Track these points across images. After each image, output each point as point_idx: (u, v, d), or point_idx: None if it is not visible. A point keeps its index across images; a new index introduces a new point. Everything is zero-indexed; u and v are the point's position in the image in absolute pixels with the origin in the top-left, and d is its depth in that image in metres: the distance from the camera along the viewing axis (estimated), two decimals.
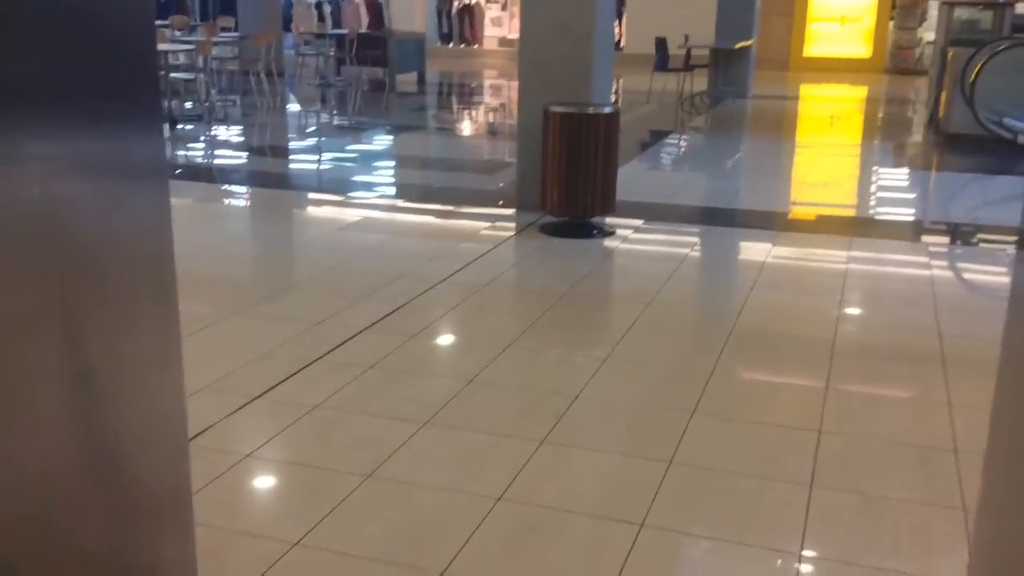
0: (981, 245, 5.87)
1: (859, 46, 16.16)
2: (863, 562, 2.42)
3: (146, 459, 1.35)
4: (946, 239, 6.04)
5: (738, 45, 12.19)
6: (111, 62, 1.27)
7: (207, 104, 10.38)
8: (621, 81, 13.84)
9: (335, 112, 11.64)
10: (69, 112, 1.20)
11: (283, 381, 3.43)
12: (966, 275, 5.18)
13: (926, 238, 6.04)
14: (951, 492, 2.76)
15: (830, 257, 5.33)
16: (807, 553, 2.45)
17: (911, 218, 6.66)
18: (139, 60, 1.27)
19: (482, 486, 2.73)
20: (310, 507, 2.60)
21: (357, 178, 7.72)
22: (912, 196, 7.54)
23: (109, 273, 1.27)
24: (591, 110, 5.49)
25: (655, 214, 6.20)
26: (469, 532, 2.50)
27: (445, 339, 4.09)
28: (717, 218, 6.38)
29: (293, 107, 12.11)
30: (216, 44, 11.09)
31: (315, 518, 2.54)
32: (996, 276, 5.13)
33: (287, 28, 15.89)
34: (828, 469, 2.88)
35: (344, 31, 13.95)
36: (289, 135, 10.18)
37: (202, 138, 9.33)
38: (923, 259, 5.31)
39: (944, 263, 5.30)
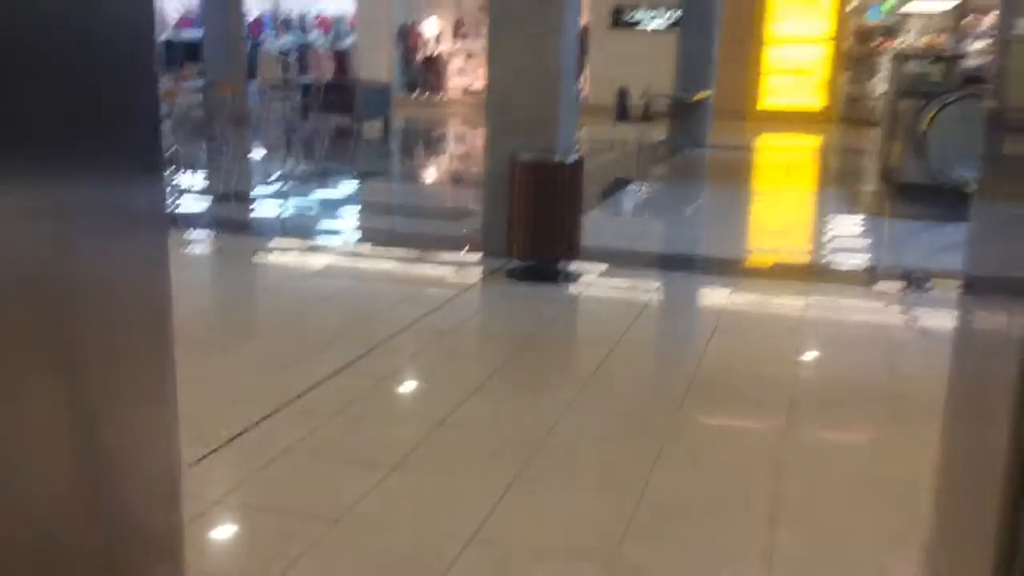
0: (932, 290, 6.05)
1: (813, 98, 16.61)
2: None
3: (139, 494, 1.40)
4: (899, 284, 6.22)
5: (696, 96, 12.49)
6: (115, 110, 1.33)
7: (173, 151, 10.40)
8: (584, 130, 14.08)
9: (301, 159, 11.70)
10: (77, 158, 1.26)
11: (251, 427, 3.45)
12: (918, 319, 5.34)
13: (880, 284, 6.21)
14: (909, 526, 2.85)
15: (788, 302, 5.47)
16: None
17: (865, 264, 6.85)
18: (142, 108, 1.34)
19: (453, 528, 2.77)
20: (280, 552, 2.62)
21: (323, 224, 7.77)
22: (866, 243, 7.75)
23: (110, 315, 1.33)
24: (557, 158, 5.62)
25: (618, 260, 6.32)
26: (442, 573, 2.53)
27: (413, 383, 4.14)
28: (678, 264, 6.52)
29: (259, 154, 12.17)
30: (182, 92, 11.15)
31: (286, 563, 2.56)
32: (946, 320, 5.29)
33: (252, 76, 15.99)
34: (789, 506, 2.96)
35: (310, 79, 14.08)
36: (255, 181, 10.22)
37: (168, 185, 9.34)
38: (877, 304, 5.46)
39: (897, 308, 5.46)
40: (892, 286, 6.20)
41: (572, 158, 5.67)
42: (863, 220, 8.67)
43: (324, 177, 10.22)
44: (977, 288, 1.13)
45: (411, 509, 2.89)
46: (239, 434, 3.38)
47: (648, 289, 5.76)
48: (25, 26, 1.19)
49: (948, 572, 1.34)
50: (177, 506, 1.47)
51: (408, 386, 4.10)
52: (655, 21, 17.75)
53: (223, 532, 2.80)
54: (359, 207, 8.88)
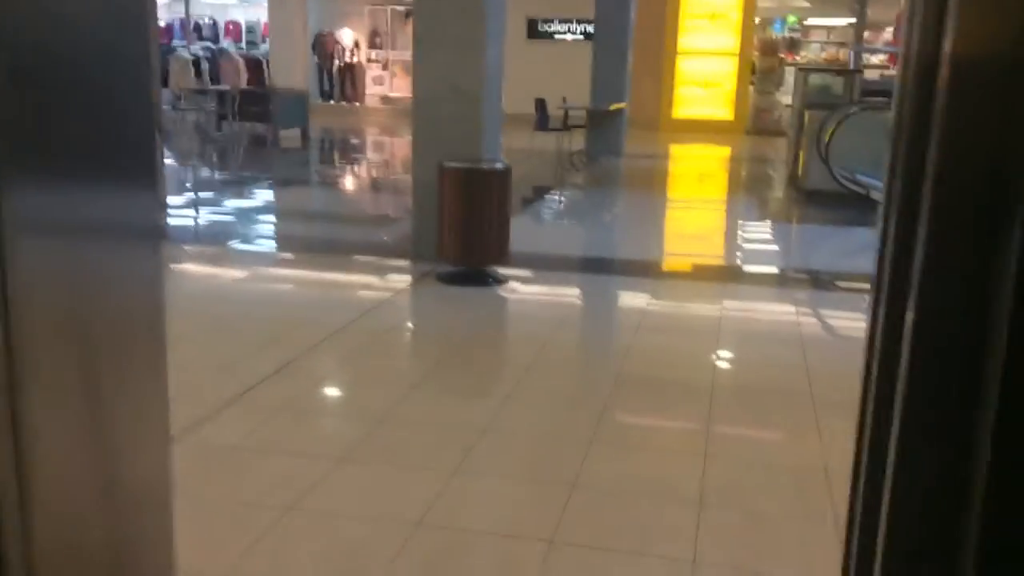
0: (839, 291, 6.40)
1: (722, 109, 17.16)
2: (749, 568, 2.69)
3: (136, 496, 1.51)
4: (808, 286, 6.57)
5: (612, 107, 12.82)
6: (112, 126, 1.44)
7: None
8: (503, 139, 14.28)
9: (217, 167, 11.61)
10: (82, 173, 1.37)
11: (196, 424, 3.51)
12: (828, 318, 5.66)
13: (790, 285, 6.55)
14: (822, 507, 3.08)
15: (704, 302, 5.74)
16: (700, 561, 2.72)
17: (776, 267, 7.19)
18: (138, 123, 1.45)
19: (401, 514, 2.89)
20: (236, 540, 2.71)
21: (246, 232, 7.77)
22: (776, 247, 8.12)
23: (114, 323, 1.44)
24: (484, 166, 5.79)
25: (544, 264, 6.51)
26: (394, 555, 2.66)
27: (352, 382, 4.24)
28: (600, 267, 6.75)
29: (172, 162, 12.02)
30: None
31: (241, 549, 2.65)
32: (854, 320, 5.63)
33: (164, 84, 15.75)
34: (714, 490, 3.17)
35: (225, 87, 13.96)
36: (170, 190, 10.11)
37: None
38: (788, 305, 5.77)
39: (807, 308, 5.78)
40: (802, 287, 6.53)
41: (499, 165, 5.84)
42: (773, 225, 9.07)
43: (242, 185, 10.18)
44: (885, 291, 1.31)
45: (360, 497, 3.01)
46: (184, 430, 3.43)
47: (573, 291, 5.97)
48: (36, 46, 1.30)
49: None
50: (170, 510, 1.59)
51: (347, 385, 4.20)
52: (569, 33, 18.11)
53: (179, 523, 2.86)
54: (281, 215, 8.89)
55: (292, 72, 18.49)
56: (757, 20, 17.93)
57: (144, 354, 1.54)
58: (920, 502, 1.14)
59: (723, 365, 4.56)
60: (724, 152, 14.95)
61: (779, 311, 5.64)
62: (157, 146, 1.57)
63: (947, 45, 1.01)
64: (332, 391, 4.08)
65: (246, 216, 8.52)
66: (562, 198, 10.21)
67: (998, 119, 0.98)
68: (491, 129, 6.34)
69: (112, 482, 1.48)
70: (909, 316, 1.12)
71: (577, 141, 12.95)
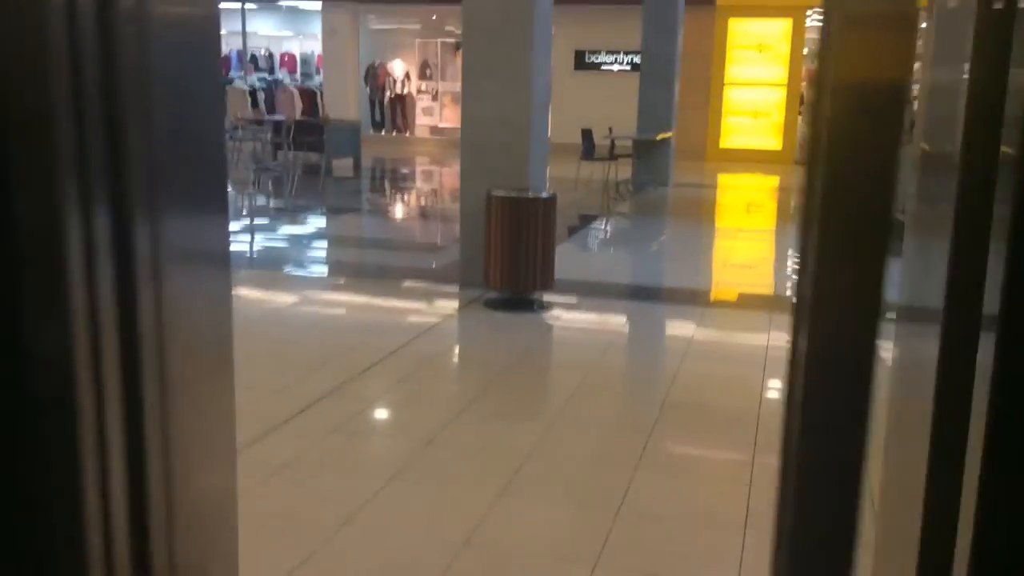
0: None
1: (771, 139, 17.15)
2: None
3: (203, 518, 1.62)
4: None
5: (659, 136, 12.89)
6: (188, 151, 1.55)
7: None
8: (549, 168, 14.43)
9: (272, 195, 11.89)
10: (160, 199, 1.48)
11: (250, 444, 3.63)
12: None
13: None
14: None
15: (751, 331, 5.76)
16: None
17: None
18: (210, 148, 1.58)
19: (449, 533, 2.97)
20: (289, 556, 2.81)
21: (298, 257, 7.96)
22: None
23: (179, 355, 1.56)
24: (531, 195, 5.89)
25: (589, 291, 6.58)
26: (440, 573, 2.73)
27: (401, 404, 4.34)
28: (646, 295, 6.80)
29: (229, 190, 12.32)
30: None
31: (294, 565, 2.75)
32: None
33: None
34: (758, 515, 3.20)
35: (281, 117, 14.30)
36: (229, 217, 10.36)
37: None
38: None
39: None
40: None
41: (545, 194, 5.94)
42: None
43: (296, 213, 10.42)
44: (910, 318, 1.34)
45: (410, 516, 3.09)
46: (239, 449, 3.54)
47: (619, 318, 6.02)
48: (125, 71, 1.41)
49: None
50: (235, 531, 1.69)
51: (397, 407, 4.30)
52: (616, 64, 18.26)
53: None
54: (333, 242, 9.08)
55: (345, 103, 18.87)
56: (806, 51, 17.92)
57: (214, 374, 1.64)
58: None
59: (770, 394, 4.58)
60: (772, 182, 14.92)
61: None
62: (226, 170, 1.68)
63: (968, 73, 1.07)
64: (382, 413, 4.18)
65: (299, 243, 8.72)
66: (607, 226, 10.28)
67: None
68: (538, 159, 6.45)
69: (182, 498, 1.57)
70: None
71: (623, 170, 13.04)
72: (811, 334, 1.14)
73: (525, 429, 3.95)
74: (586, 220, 10.29)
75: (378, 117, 20.03)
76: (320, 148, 13.65)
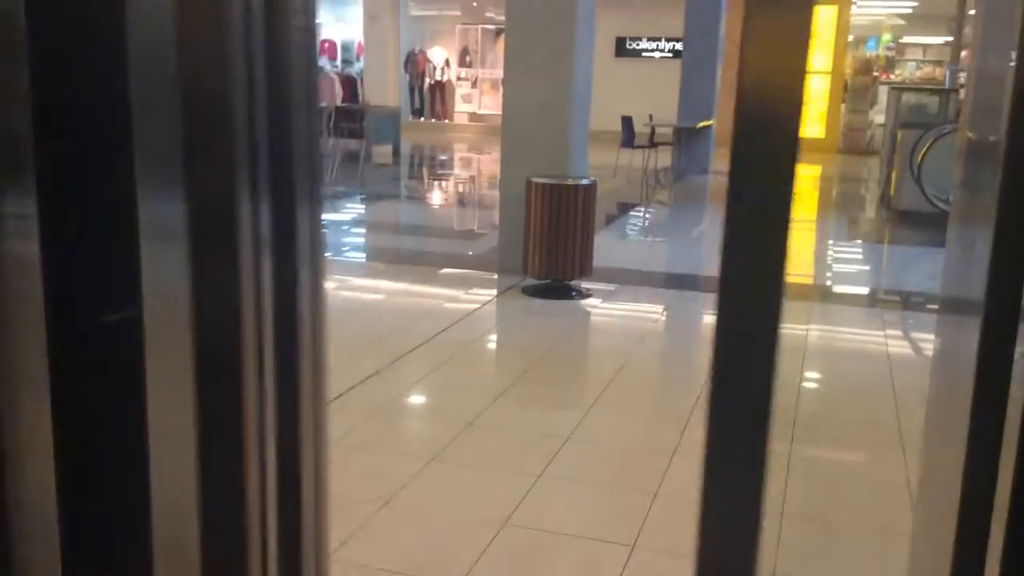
0: (930, 313, 6.32)
1: (814, 127, 16.96)
2: None
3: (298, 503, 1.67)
4: (898, 307, 6.49)
5: (699, 125, 12.82)
6: (285, 144, 1.59)
7: None
8: (590, 155, 14.41)
9: None
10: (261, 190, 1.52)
11: None
12: (917, 340, 5.60)
13: (880, 306, 6.48)
14: (903, 520, 3.09)
15: (792, 322, 5.73)
16: (779, 572, 2.77)
17: (866, 288, 7.12)
18: (307, 140, 1.62)
19: (489, 513, 3.02)
20: (334, 530, 2.86)
21: (340, 243, 8.04)
22: (866, 268, 8.03)
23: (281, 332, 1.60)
24: (571, 182, 5.91)
25: (627, 279, 6.59)
26: (480, 550, 2.78)
27: (442, 388, 4.40)
28: (684, 283, 6.79)
29: None
30: None
31: (340, 538, 2.81)
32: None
33: None
34: (795, 502, 3.21)
35: (322, 104, 14.42)
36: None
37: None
38: (878, 325, 5.72)
39: (897, 330, 5.73)
40: (892, 308, 6.47)
41: (585, 182, 5.96)
42: (863, 245, 8.96)
43: (336, 199, 10.52)
44: (952, 308, 1.34)
45: (450, 496, 3.14)
46: None
47: (657, 306, 6.03)
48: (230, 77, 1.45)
49: (934, 561, 1.50)
50: (326, 517, 1.74)
51: (437, 390, 4.36)
52: (657, 51, 18.15)
53: None
54: (372, 228, 9.17)
55: (385, 89, 18.97)
56: (851, 38, 17.68)
57: (318, 358, 1.68)
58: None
59: (809, 384, 4.57)
60: (815, 171, 14.78)
61: (867, 331, 5.60)
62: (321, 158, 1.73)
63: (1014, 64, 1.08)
64: (422, 396, 4.24)
65: (340, 228, 8.81)
66: (647, 214, 10.26)
67: None
68: (578, 145, 6.47)
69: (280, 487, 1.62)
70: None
71: (663, 158, 12.99)
72: (720, 310, 1.16)
73: (563, 414, 3.99)
74: (625, 208, 10.28)
75: (417, 104, 20.11)
76: (360, 134, 13.77)
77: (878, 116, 15.78)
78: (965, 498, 1.24)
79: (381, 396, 4.06)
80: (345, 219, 9.35)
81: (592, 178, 6.09)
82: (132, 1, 1.26)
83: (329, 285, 5.83)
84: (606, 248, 7.45)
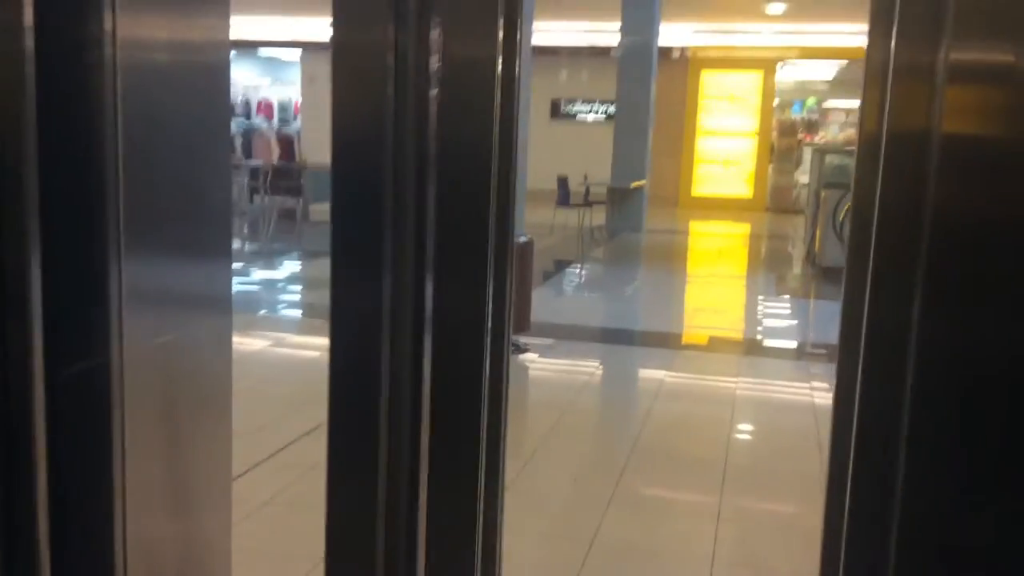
0: None
1: (742, 186, 17.48)
2: None
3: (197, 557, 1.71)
4: (824, 360, 6.70)
5: (633, 185, 13.14)
6: (192, 197, 1.65)
7: None
8: (526, 214, 14.62)
9: (247, 239, 11.98)
10: (170, 245, 1.58)
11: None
12: None
13: (806, 359, 6.69)
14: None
15: (721, 375, 5.89)
16: None
17: (792, 342, 7.34)
18: (216, 194, 1.69)
19: None
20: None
21: (275, 300, 8.03)
22: (793, 322, 8.27)
23: (176, 397, 1.65)
24: None
25: (564, 333, 6.70)
26: None
27: None
28: (620, 338, 6.93)
29: None
30: None
31: None
32: None
33: None
34: (726, 549, 3.30)
35: (258, 163, 14.44)
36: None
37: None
38: (802, 378, 5.91)
39: (822, 382, 5.92)
40: (817, 360, 6.67)
41: (522, 239, 6.08)
42: (790, 300, 9.24)
43: (272, 256, 10.51)
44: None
45: None
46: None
47: (593, 360, 6.14)
48: (149, 122, 1.52)
49: None
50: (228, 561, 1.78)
51: None
52: (591, 113, 18.61)
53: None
54: (309, 285, 9.17)
55: (323, 148, 19.02)
56: (777, 101, 18.35)
57: (214, 411, 1.74)
58: None
59: (737, 435, 4.70)
60: (743, 229, 15.20)
61: (793, 384, 5.78)
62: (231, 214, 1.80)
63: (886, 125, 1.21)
64: None
65: (275, 285, 8.80)
66: (583, 271, 10.44)
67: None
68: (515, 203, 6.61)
69: (178, 542, 1.66)
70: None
71: (598, 216, 13.26)
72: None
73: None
74: (561, 265, 10.46)
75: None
76: (298, 192, 13.78)
77: (803, 176, 16.34)
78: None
79: (319, 452, 4.06)
80: (281, 277, 9.34)
81: (528, 236, 6.23)
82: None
83: (266, 342, 5.81)
84: (544, 303, 7.57)
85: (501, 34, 1.59)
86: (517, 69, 1.77)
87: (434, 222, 1.63)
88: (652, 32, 13.56)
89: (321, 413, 4.48)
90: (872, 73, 1.22)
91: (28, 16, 1.28)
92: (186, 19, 1.63)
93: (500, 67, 1.61)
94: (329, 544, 1.84)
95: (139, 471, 1.48)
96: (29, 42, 1.27)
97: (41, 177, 1.33)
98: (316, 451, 4.06)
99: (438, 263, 1.65)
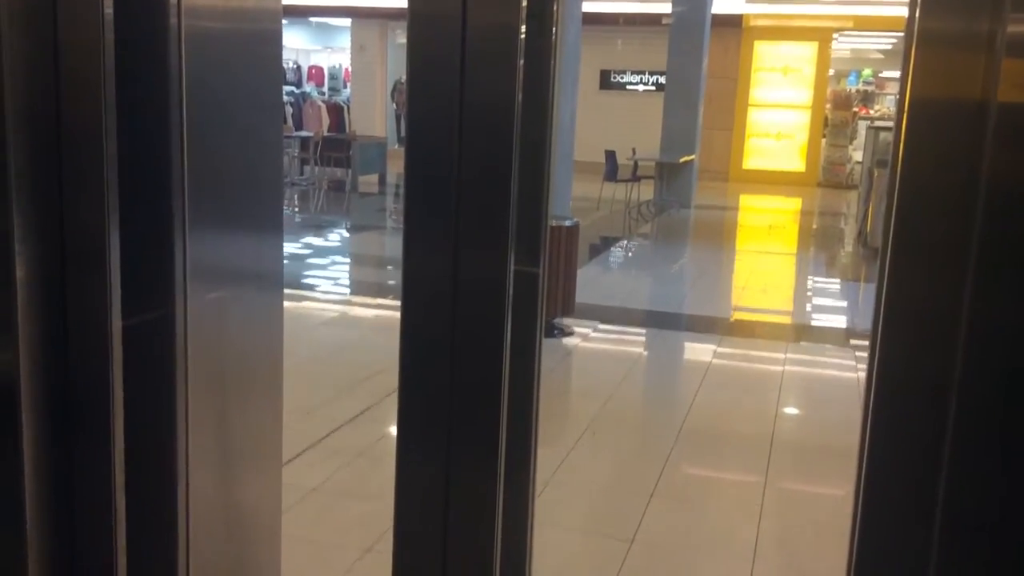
0: None
1: (794, 161, 17.20)
2: None
3: (247, 532, 1.77)
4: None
5: (682, 159, 13.00)
6: (247, 174, 1.68)
7: None
8: (573, 187, 14.55)
9: (297, 210, 12.10)
10: (226, 220, 1.63)
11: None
12: None
13: (854, 341, 6.61)
14: None
15: (768, 359, 5.86)
16: None
17: (842, 324, 7.26)
18: (269, 172, 1.72)
19: None
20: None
21: (324, 275, 8.13)
22: (843, 304, 8.18)
23: (234, 368, 1.70)
24: (554, 222, 6.03)
25: (609, 316, 6.71)
26: None
27: None
28: (665, 322, 6.91)
29: None
30: None
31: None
32: None
33: None
34: (767, 547, 3.31)
35: (309, 133, 14.54)
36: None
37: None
38: (852, 362, 5.86)
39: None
40: (865, 343, 6.59)
41: (568, 223, 6.08)
42: (840, 282, 9.12)
43: (322, 228, 10.61)
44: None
45: None
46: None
47: (638, 344, 6.14)
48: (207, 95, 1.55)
49: None
50: (278, 536, 1.84)
51: None
52: (641, 84, 18.40)
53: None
54: (358, 258, 9.26)
55: (372, 118, 19.12)
56: (832, 72, 17.98)
57: (265, 387, 1.79)
58: None
59: (783, 423, 4.69)
60: (794, 205, 14.99)
61: (842, 368, 5.73)
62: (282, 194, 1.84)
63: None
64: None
65: (325, 259, 8.89)
66: (630, 249, 10.40)
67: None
68: (562, 184, 6.59)
69: (231, 506, 1.73)
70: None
71: (646, 191, 13.16)
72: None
73: (545, 456, 4.07)
74: (608, 243, 10.42)
75: (403, 132, 20.25)
76: (347, 164, 13.87)
77: (857, 152, 16.03)
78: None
79: (367, 437, 4.13)
80: (330, 248, 9.44)
81: (575, 219, 6.22)
82: None
83: (314, 318, 5.86)
84: (589, 284, 7.56)
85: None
86: (554, 37, 1.71)
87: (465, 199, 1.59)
88: (705, 5, 13.33)
89: (371, 398, 4.55)
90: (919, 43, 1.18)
91: None
92: None
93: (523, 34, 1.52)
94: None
95: (199, 414, 1.53)
96: (109, 9, 1.34)
97: (119, 143, 1.39)
98: (366, 436, 4.13)
99: (466, 241, 1.59)
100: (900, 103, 1.23)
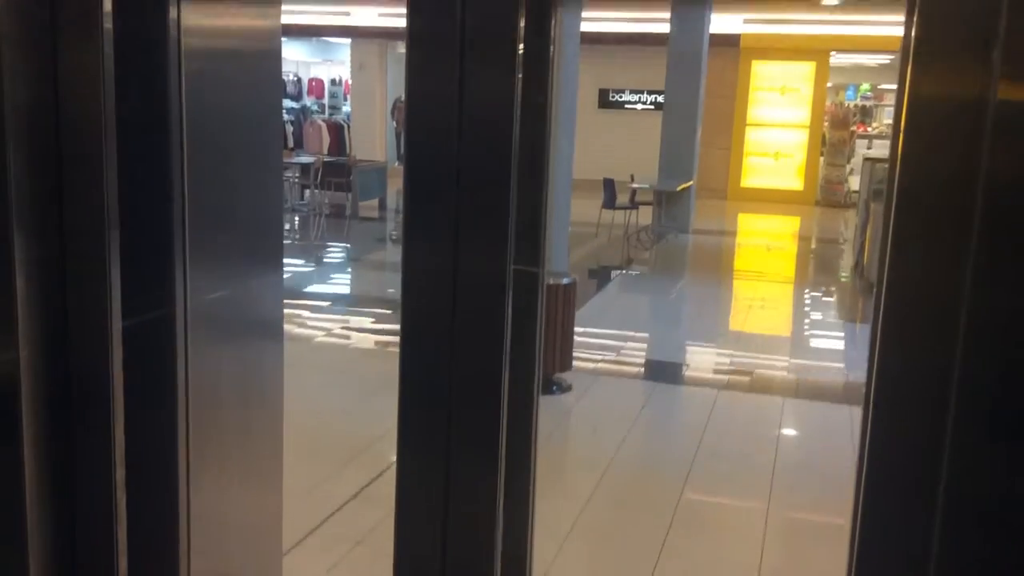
0: None
1: (792, 179, 17.27)
2: None
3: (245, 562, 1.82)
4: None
5: (680, 187, 13.05)
6: (248, 212, 1.72)
7: None
8: (571, 210, 14.61)
9: (298, 237, 12.17)
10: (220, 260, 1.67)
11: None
12: None
13: (854, 392, 6.68)
14: None
15: (768, 413, 5.93)
16: None
17: (839, 373, 7.33)
18: (269, 211, 1.77)
19: None
20: None
21: (327, 304, 8.19)
22: (840, 350, 8.25)
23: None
24: (551, 280, 6.09)
25: (606, 368, 6.78)
26: None
27: None
28: (664, 375, 7.00)
29: None
30: None
31: None
32: None
33: None
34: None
35: (310, 159, 14.58)
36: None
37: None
38: (855, 416, 5.93)
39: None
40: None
41: (566, 280, 6.15)
42: (836, 322, 9.20)
43: (322, 255, 10.69)
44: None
45: None
46: None
47: (637, 401, 6.22)
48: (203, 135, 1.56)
49: None
50: (279, 545, 1.90)
51: None
52: (640, 103, 18.47)
53: None
54: (357, 289, 9.32)
55: (372, 138, 19.18)
56: (830, 84, 18.03)
57: (265, 387, 1.84)
58: None
59: (780, 481, 4.76)
60: (792, 226, 15.04)
61: (846, 423, 5.80)
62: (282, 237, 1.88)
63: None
64: None
65: (322, 283, 8.96)
66: (626, 285, 10.47)
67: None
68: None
69: (231, 505, 1.78)
70: None
71: (644, 216, 13.20)
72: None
73: (544, 525, 4.14)
74: (605, 275, 10.49)
75: (403, 150, 20.31)
76: (347, 188, 13.92)
77: (854, 177, 16.07)
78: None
79: (365, 522, 4.21)
80: (331, 275, 9.50)
81: (571, 276, 6.29)
82: None
83: (312, 344, 5.84)
84: (588, 318, 7.62)
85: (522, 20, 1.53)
86: (552, 54, 1.69)
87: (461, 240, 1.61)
88: (703, 26, 13.37)
89: (370, 471, 4.54)
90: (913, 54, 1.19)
91: (107, 1, 1.38)
92: (241, 5, 1.68)
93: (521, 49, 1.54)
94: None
95: (199, 407, 1.57)
96: (108, 25, 1.37)
97: (120, 144, 1.42)
98: (363, 521, 4.19)
99: (465, 256, 1.61)
100: (894, 141, 1.25)
